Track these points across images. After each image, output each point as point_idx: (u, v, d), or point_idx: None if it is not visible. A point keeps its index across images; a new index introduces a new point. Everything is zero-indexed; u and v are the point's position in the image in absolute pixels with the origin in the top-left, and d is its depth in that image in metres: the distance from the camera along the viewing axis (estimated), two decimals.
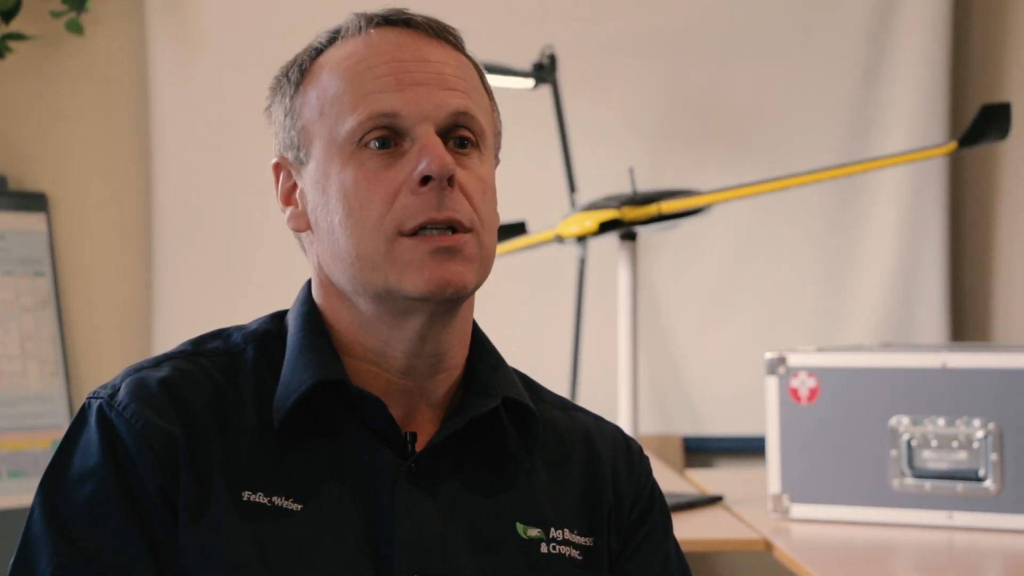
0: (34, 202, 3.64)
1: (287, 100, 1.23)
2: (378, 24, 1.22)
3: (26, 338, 3.54)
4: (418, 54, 1.19)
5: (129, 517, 1.14)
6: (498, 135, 1.27)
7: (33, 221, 3.63)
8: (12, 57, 3.59)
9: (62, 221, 3.68)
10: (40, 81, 3.68)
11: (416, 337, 1.19)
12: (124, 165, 3.71)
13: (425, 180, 1.15)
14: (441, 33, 1.22)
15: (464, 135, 1.19)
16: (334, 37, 1.23)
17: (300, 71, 1.23)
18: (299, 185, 1.23)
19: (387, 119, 1.17)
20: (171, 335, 3.52)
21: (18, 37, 3.56)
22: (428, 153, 1.15)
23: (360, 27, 1.21)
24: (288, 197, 1.24)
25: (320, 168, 1.19)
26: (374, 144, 1.17)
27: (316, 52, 1.23)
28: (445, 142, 1.18)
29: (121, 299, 3.70)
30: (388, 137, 1.17)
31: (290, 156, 1.23)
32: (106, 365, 3.59)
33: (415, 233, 1.16)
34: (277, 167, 1.25)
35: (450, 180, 1.16)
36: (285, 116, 1.23)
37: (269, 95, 1.25)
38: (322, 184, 1.19)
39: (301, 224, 1.23)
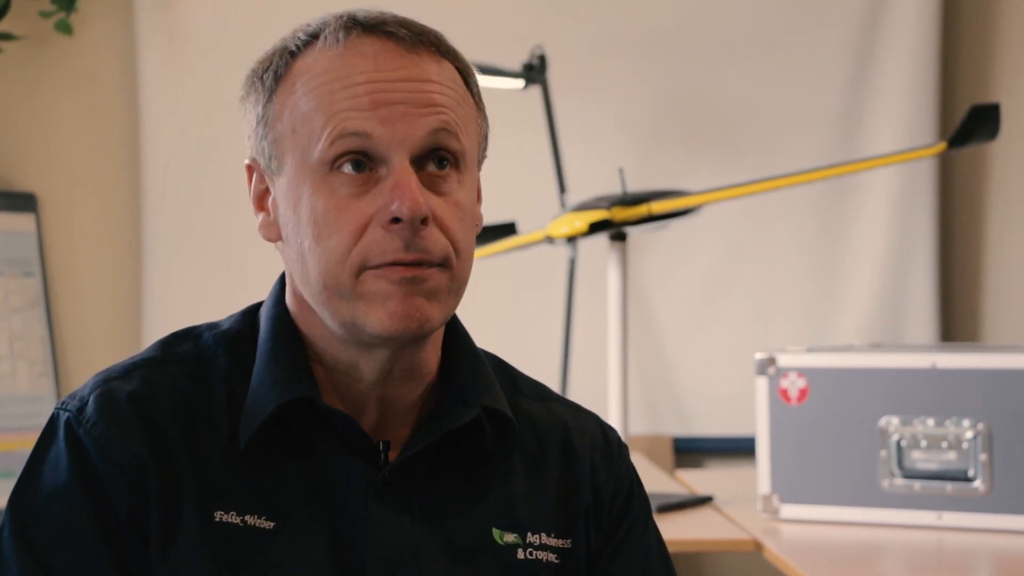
0: (23, 202, 3.63)
1: (259, 107, 1.18)
2: (357, 33, 1.15)
3: (15, 338, 3.53)
4: (396, 69, 1.14)
5: (98, 538, 1.12)
6: (484, 138, 1.23)
7: (22, 221, 3.62)
8: (1, 57, 3.58)
9: (51, 221, 3.67)
10: (29, 81, 3.67)
11: (385, 360, 1.18)
12: (113, 165, 3.70)
13: (396, 220, 1.12)
14: (424, 42, 1.16)
15: (444, 156, 1.15)
16: (309, 40, 1.17)
17: (275, 77, 1.17)
18: (271, 193, 1.19)
19: (359, 140, 1.12)
20: (160, 336, 3.51)
21: (7, 37, 3.55)
22: (400, 193, 1.11)
23: (338, 37, 1.16)
24: (260, 202, 1.21)
25: (292, 187, 1.15)
26: (347, 168, 1.13)
27: (291, 56, 1.17)
28: (423, 164, 1.14)
29: (110, 299, 3.69)
30: (362, 160, 1.13)
31: (262, 163, 1.19)
32: (95, 366, 3.53)
33: (380, 267, 1.13)
34: (250, 169, 1.21)
35: (424, 220, 1.12)
36: (257, 123, 1.18)
37: (243, 88, 1.21)
38: (293, 203, 1.15)
39: (272, 234, 1.20)
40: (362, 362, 1.18)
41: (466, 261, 1.17)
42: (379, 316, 1.13)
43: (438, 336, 1.23)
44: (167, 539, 1.13)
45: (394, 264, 1.12)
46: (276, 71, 1.18)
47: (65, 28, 3.57)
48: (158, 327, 3.58)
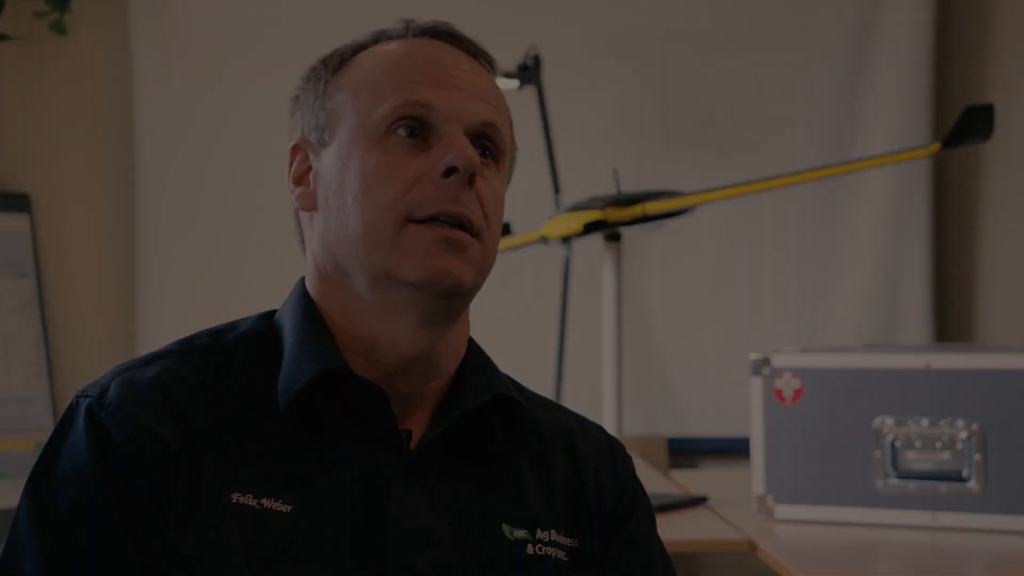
0: (17, 203, 3.63)
1: (320, 85, 1.24)
2: (423, 34, 1.24)
3: (9, 339, 3.53)
4: (459, 65, 1.23)
5: (116, 519, 1.13)
6: (513, 160, 1.29)
7: (16, 222, 3.61)
8: None
9: (45, 222, 3.67)
10: (23, 81, 3.67)
11: (407, 339, 1.19)
12: (107, 166, 3.70)
13: (448, 172, 1.16)
14: (481, 55, 1.26)
15: (488, 146, 1.22)
16: (378, 37, 1.25)
17: (340, 59, 1.24)
18: (314, 167, 1.23)
19: (421, 109, 1.18)
20: (155, 336, 3.51)
21: (1, 37, 3.55)
22: (456, 147, 1.17)
23: (405, 33, 1.24)
24: (300, 178, 1.24)
25: (343, 149, 1.20)
26: (402, 131, 1.18)
27: (359, 47, 1.25)
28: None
29: (105, 300, 3.69)
30: (417, 128, 1.19)
31: (312, 138, 1.23)
32: (90, 366, 3.58)
33: (425, 221, 1.16)
34: (295, 149, 1.25)
35: (471, 178, 1.17)
36: (316, 99, 1.24)
37: (301, 84, 1.26)
38: (341, 164, 1.19)
39: (308, 203, 1.23)
40: (382, 338, 1.19)
41: (494, 244, 1.22)
42: (415, 264, 1.16)
43: (459, 343, 1.25)
44: (185, 518, 1.13)
45: (439, 220, 1.16)
46: (342, 55, 1.25)
47: (59, 28, 3.57)
48: (152, 327, 3.58)
